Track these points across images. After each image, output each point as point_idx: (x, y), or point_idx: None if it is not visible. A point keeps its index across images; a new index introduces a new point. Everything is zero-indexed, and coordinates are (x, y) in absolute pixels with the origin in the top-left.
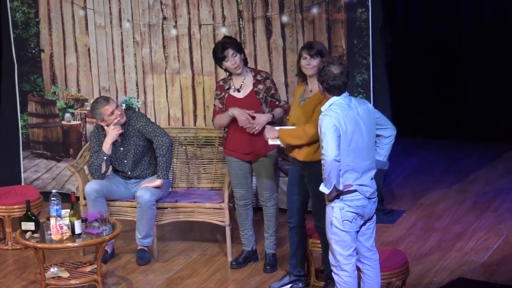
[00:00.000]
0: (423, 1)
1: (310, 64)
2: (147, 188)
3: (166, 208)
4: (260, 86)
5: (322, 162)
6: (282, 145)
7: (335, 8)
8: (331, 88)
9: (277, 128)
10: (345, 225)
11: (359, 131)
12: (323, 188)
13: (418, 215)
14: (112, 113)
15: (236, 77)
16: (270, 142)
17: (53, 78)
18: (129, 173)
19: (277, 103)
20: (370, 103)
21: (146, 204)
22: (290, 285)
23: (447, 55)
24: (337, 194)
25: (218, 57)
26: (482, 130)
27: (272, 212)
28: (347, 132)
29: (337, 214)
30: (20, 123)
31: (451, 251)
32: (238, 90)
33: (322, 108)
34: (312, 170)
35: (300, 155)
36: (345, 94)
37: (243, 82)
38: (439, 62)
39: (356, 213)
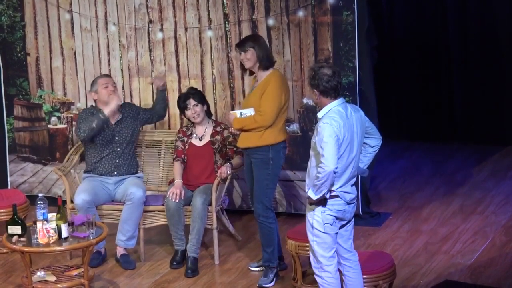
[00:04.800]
0: (409, 4)
1: (245, 58)
2: (139, 186)
3: (153, 211)
4: (217, 137)
5: (319, 170)
6: (237, 132)
7: (321, 11)
8: (327, 90)
9: (236, 113)
10: (326, 227)
11: (352, 141)
12: (310, 193)
13: (405, 217)
14: (106, 86)
15: (198, 126)
16: (231, 129)
17: (39, 81)
18: (117, 160)
19: (234, 149)
20: (356, 105)
21: (139, 201)
22: (262, 268)
23: (432, 58)
24: (321, 200)
25: (181, 106)
26: (469, 133)
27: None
28: (343, 142)
29: (318, 217)
30: (6, 127)
31: (437, 253)
32: (200, 139)
33: (319, 115)
34: (258, 156)
35: (242, 143)
36: (341, 99)
37: (204, 132)
38: (425, 65)
39: (336, 217)
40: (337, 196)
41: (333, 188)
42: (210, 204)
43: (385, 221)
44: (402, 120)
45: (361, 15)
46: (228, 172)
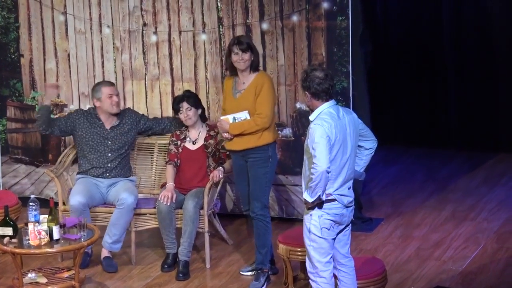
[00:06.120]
0: (403, 10)
1: (243, 59)
2: (131, 191)
3: (145, 214)
4: (211, 141)
5: (312, 171)
6: (230, 137)
7: (315, 16)
8: (319, 92)
9: (228, 119)
10: (323, 232)
11: (345, 142)
12: (306, 196)
13: (397, 223)
14: (111, 96)
15: (192, 130)
16: (225, 135)
17: (33, 83)
18: (108, 165)
19: (227, 153)
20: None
21: (129, 207)
22: (254, 271)
23: (426, 64)
24: (318, 203)
25: (174, 108)
26: (462, 139)
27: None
28: (335, 143)
29: (315, 222)
30: None
31: (429, 259)
32: (194, 142)
33: (311, 117)
34: (257, 155)
35: (240, 145)
36: (333, 102)
37: (198, 136)
38: (419, 71)
39: (334, 221)
40: (334, 200)
41: (329, 192)
42: (202, 208)
43: (377, 226)
44: (396, 126)
45: (355, 20)
46: (221, 176)
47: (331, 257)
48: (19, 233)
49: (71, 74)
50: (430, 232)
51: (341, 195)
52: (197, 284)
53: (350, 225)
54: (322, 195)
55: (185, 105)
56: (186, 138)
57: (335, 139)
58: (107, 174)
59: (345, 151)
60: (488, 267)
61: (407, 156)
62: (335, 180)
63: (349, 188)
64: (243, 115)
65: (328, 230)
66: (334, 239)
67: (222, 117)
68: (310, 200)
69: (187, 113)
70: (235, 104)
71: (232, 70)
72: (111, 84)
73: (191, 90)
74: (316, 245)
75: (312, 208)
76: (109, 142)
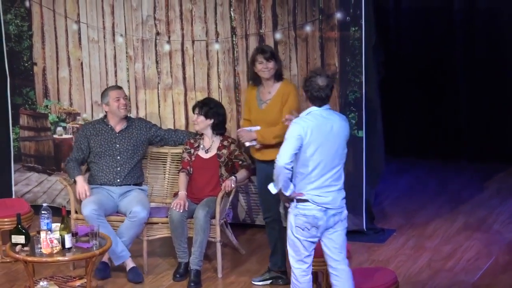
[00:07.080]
0: (416, 20)
1: (268, 67)
2: (144, 205)
3: (157, 223)
4: (224, 151)
5: (275, 164)
6: (258, 146)
7: (329, 26)
8: (314, 98)
9: (253, 129)
10: (297, 230)
11: (326, 145)
12: (271, 187)
13: (409, 234)
14: (118, 99)
15: (205, 138)
16: (247, 144)
17: (46, 91)
18: (118, 168)
19: (240, 162)
20: (363, 122)
21: (141, 221)
22: (270, 280)
23: (439, 75)
24: (288, 199)
25: (192, 109)
26: (474, 151)
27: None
28: (311, 143)
29: (292, 220)
30: (11, 136)
31: (441, 271)
32: (206, 151)
33: (301, 115)
34: None
35: (269, 156)
36: (326, 106)
37: (211, 145)
38: (431, 82)
39: (309, 223)
40: (306, 200)
41: (303, 191)
42: (213, 217)
43: (389, 237)
44: (408, 137)
45: (368, 30)
46: (233, 185)
47: (306, 257)
48: (31, 241)
49: (84, 82)
50: (442, 243)
51: (317, 195)
52: None
53: (340, 231)
54: (285, 191)
55: (196, 110)
56: (199, 146)
57: (309, 139)
58: (118, 180)
59: (325, 154)
60: (500, 279)
61: (419, 167)
62: (312, 181)
63: (329, 192)
64: (256, 129)
65: (302, 230)
66: (312, 242)
67: (245, 128)
68: (273, 191)
69: (196, 119)
70: (261, 114)
71: (255, 80)
72: (118, 87)
73: (213, 99)
74: (291, 241)
75: (289, 205)
76: (117, 145)
